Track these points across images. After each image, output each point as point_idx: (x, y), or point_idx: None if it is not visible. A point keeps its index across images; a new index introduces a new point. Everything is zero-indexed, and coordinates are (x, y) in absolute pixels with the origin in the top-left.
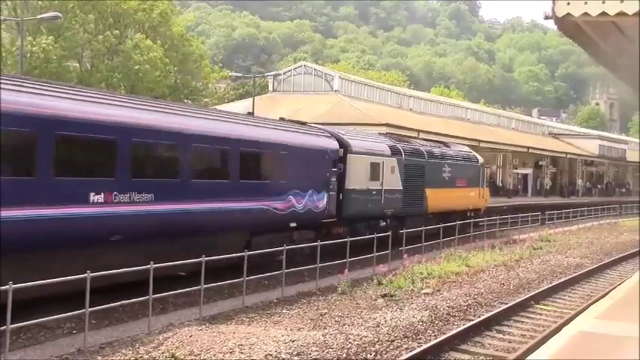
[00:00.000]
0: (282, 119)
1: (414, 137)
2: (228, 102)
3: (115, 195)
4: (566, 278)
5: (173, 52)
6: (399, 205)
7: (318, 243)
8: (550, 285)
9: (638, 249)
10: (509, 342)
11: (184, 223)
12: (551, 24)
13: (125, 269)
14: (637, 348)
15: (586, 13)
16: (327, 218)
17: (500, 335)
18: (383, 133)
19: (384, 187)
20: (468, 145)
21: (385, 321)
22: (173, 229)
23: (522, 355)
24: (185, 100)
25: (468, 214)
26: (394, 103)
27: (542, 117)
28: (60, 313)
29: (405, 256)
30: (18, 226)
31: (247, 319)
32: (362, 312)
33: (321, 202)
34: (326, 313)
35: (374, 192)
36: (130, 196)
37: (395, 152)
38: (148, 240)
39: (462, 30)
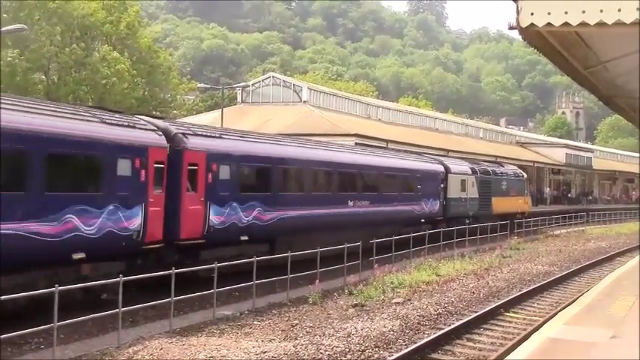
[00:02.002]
0: (412, 152)
1: (442, 154)
2: (197, 114)
3: (356, 202)
4: (535, 286)
5: (141, 64)
6: (476, 209)
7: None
8: (519, 293)
9: (605, 256)
10: (480, 350)
11: (379, 218)
12: (516, 34)
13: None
14: (604, 353)
15: (549, 24)
16: (438, 217)
17: (471, 343)
18: (464, 159)
19: (468, 196)
20: (436, 155)
21: (356, 331)
22: (374, 221)
23: None
24: (154, 112)
25: (517, 215)
26: (363, 114)
27: (510, 126)
28: (27, 328)
29: (375, 266)
30: (311, 218)
31: (218, 331)
32: (333, 322)
33: (436, 206)
34: (297, 323)
35: (462, 199)
36: (361, 203)
37: (473, 172)
38: (362, 227)
39: (430, 40)
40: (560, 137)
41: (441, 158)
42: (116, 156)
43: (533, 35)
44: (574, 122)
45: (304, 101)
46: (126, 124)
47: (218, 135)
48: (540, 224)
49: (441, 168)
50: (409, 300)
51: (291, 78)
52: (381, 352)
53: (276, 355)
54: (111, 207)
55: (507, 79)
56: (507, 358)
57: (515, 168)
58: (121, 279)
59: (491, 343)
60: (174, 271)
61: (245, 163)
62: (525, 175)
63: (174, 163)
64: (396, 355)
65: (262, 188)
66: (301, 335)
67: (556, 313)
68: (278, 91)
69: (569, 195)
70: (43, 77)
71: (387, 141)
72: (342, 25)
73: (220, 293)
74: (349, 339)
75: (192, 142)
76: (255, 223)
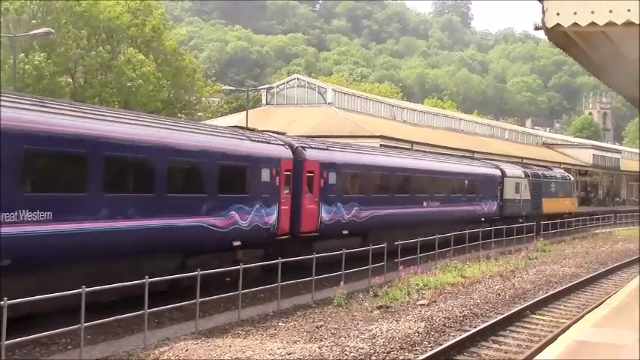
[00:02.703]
0: (473, 159)
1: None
2: (222, 116)
3: (429, 202)
4: (561, 288)
5: (166, 66)
6: (528, 209)
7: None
8: (546, 295)
9: (633, 258)
10: (506, 352)
11: (447, 216)
12: (542, 34)
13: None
14: (633, 355)
15: (575, 24)
16: (495, 216)
17: (497, 345)
18: (518, 163)
19: (521, 197)
20: (461, 156)
21: (381, 332)
22: (443, 219)
23: None
24: (179, 115)
25: (564, 215)
26: (388, 115)
27: (536, 127)
28: (55, 329)
29: (400, 267)
30: (395, 216)
31: (243, 333)
32: (358, 324)
33: (494, 206)
34: (322, 325)
35: (517, 200)
36: (432, 203)
37: (526, 175)
38: (433, 224)
39: (455, 41)
40: (586, 138)
41: (498, 163)
42: (260, 166)
43: (559, 35)
44: (601, 123)
45: (329, 103)
46: (264, 140)
47: (326, 147)
48: (567, 226)
49: (498, 172)
50: (434, 302)
51: (315, 80)
52: (406, 353)
53: (301, 357)
54: (257, 206)
55: (533, 80)
56: None
57: (563, 171)
58: (147, 280)
59: (518, 345)
60: (199, 272)
61: (346, 170)
62: (572, 178)
63: (296, 170)
64: (421, 357)
65: (358, 191)
66: (326, 337)
67: (583, 316)
68: (303, 92)
69: (596, 197)
70: (70, 80)
71: (412, 142)
72: (366, 27)
73: (245, 295)
74: (374, 340)
75: (310, 154)
76: (353, 219)
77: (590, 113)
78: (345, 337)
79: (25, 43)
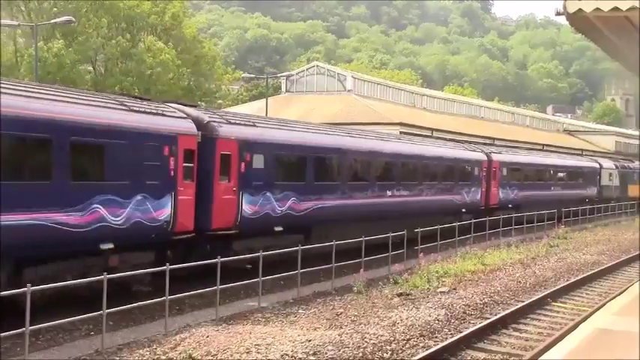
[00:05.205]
0: (577, 155)
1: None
2: (242, 103)
3: (554, 187)
4: (583, 275)
5: (186, 54)
6: (618, 193)
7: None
8: (567, 282)
9: None
10: (526, 340)
11: (563, 198)
12: (564, 20)
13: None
14: None
15: (598, 9)
16: (595, 198)
17: (517, 333)
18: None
19: (613, 184)
20: (482, 143)
21: (401, 320)
22: (561, 200)
23: (539, 353)
24: (199, 103)
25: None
26: (408, 102)
27: (557, 114)
28: (78, 315)
29: (420, 255)
30: (536, 196)
31: (263, 319)
32: (378, 311)
33: (594, 191)
34: (342, 312)
35: (610, 186)
36: (556, 187)
37: (616, 167)
38: (556, 203)
39: (475, 28)
40: (608, 124)
41: (596, 157)
42: (473, 166)
43: (581, 21)
44: (624, 109)
45: (348, 90)
46: (472, 150)
47: (499, 151)
48: (589, 213)
49: (597, 165)
50: (454, 289)
51: (335, 67)
52: (426, 341)
53: (321, 344)
54: (473, 188)
55: (555, 66)
56: (554, 348)
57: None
58: (167, 267)
59: (538, 333)
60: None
61: (511, 166)
62: None
63: (488, 167)
64: (441, 345)
65: (518, 180)
66: (346, 324)
67: (605, 304)
68: (322, 80)
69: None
70: (91, 69)
71: (432, 130)
72: (386, 14)
73: (265, 282)
74: (394, 328)
75: (494, 157)
76: (514, 198)
77: (613, 100)
78: (364, 325)
79: (47, 31)
